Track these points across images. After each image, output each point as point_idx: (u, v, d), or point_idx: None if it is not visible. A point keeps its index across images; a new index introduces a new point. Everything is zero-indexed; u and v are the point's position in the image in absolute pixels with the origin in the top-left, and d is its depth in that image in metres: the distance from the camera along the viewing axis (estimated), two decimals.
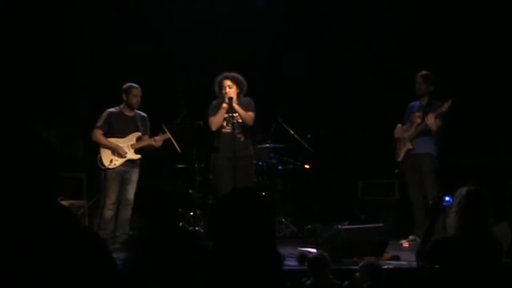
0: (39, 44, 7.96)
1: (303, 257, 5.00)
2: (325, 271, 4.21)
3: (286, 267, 4.74)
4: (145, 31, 8.24)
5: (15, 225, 1.62)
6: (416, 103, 7.00)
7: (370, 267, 4.17)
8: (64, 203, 4.20)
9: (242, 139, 6.47)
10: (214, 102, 6.51)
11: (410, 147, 6.89)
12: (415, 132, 6.87)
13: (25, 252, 1.60)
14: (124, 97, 6.75)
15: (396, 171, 7.10)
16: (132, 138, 6.77)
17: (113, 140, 6.70)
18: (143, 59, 8.06)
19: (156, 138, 6.72)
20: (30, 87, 7.86)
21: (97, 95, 7.75)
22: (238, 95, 6.42)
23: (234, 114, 6.35)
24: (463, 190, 3.65)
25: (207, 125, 6.41)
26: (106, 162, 6.63)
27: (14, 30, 7.92)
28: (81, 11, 7.96)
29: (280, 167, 7.66)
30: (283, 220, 7.41)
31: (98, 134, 6.70)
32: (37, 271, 1.59)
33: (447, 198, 3.92)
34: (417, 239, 6.75)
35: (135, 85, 6.74)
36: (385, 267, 4.83)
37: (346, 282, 4.21)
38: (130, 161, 6.70)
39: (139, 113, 6.85)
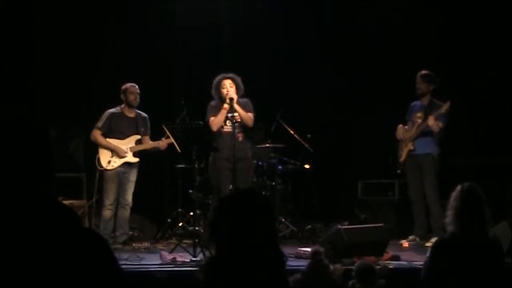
0: (39, 43, 7.96)
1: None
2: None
3: (288, 267, 4.72)
4: (145, 31, 8.24)
5: (15, 224, 1.62)
6: (417, 103, 6.99)
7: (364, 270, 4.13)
8: (64, 203, 4.19)
9: (241, 138, 6.43)
10: (212, 103, 6.50)
11: (411, 147, 6.88)
12: (416, 132, 6.87)
13: (26, 252, 1.60)
14: (122, 97, 6.76)
15: (398, 171, 7.10)
16: (131, 141, 6.76)
17: (112, 142, 6.69)
18: (143, 59, 8.06)
19: (161, 141, 6.70)
20: (30, 87, 7.85)
21: (97, 95, 7.75)
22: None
23: (234, 114, 6.35)
24: (457, 188, 3.66)
25: (207, 125, 6.40)
26: (104, 163, 6.63)
27: (15, 29, 7.92)
28: (81, 10, 7.96)
29: (280, 167, 7.65)
30: (283, 220, 7.40)
31: (97, 135, 6.70)
32: (38, 271, 1.59)
33: None
34: (417, 239, 6.76)
35: (132, 83, 6.76)
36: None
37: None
38: (128, 163, 6.70)
39: (139, 114, 6.85)
